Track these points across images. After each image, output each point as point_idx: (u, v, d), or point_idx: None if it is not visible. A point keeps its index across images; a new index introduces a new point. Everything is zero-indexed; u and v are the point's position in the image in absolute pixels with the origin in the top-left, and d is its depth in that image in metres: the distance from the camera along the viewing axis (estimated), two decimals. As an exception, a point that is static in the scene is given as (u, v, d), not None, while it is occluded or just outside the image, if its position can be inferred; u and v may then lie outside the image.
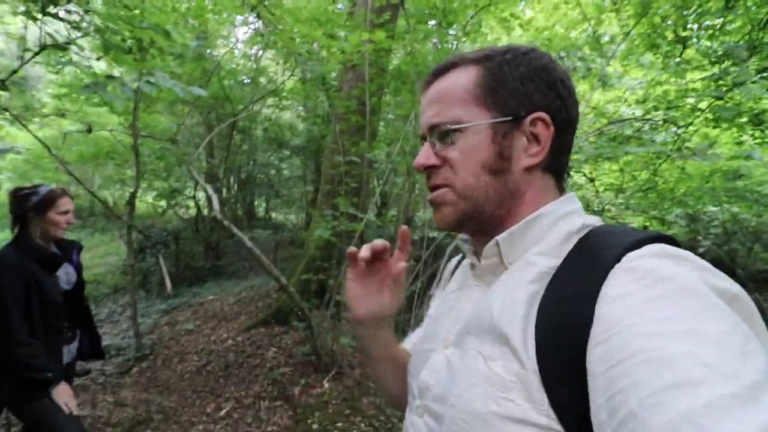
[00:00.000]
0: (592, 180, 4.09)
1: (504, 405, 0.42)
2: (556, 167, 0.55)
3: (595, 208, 3.66)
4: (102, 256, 7.89)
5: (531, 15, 5.66)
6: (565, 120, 0.54)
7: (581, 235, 0.50)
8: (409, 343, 0.75)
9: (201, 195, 6.33)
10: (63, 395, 1.55)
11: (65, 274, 1.75)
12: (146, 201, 7.00)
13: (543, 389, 0.41)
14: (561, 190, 0.57)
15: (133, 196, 3.81)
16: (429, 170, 0.56)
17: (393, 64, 4.31)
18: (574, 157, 2.86)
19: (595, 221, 0.52)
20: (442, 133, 0.54)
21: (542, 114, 0.52)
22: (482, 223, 0.55)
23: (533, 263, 0.49)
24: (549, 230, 0.52)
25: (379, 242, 0.60)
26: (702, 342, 0.34)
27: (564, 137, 0.54)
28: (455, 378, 0.49)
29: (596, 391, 0.37)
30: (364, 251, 0.60)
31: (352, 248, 0.62)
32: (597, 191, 4.07)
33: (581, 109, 2.09)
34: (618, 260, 0.42)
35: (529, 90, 0.52)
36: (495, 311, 0.48)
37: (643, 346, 0.35)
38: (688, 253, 0.42)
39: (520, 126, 0.52)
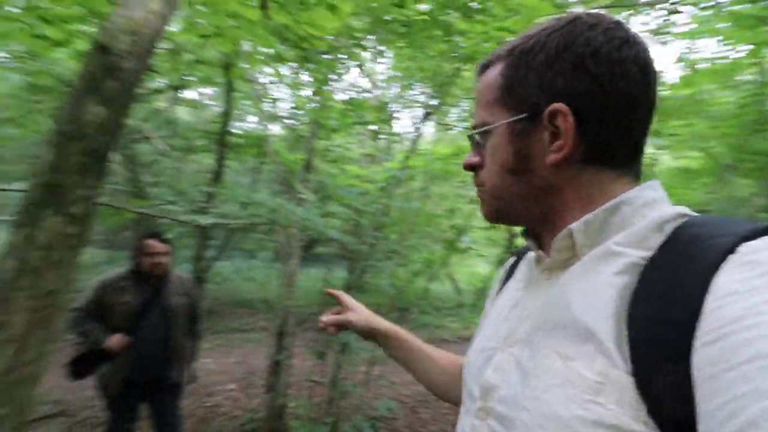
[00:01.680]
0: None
1: (591, 409, 0.38)
2: (606, 156, 0.49)
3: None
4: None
5: None
6: (603, 101, 0.46)
7: (677, 224, 0.44)
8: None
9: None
10: None
11: None
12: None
13: (639, 392, 0.37)
14: (636, 178, 0.50)
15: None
16: (472, 169, 0.58)
17: None
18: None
19: (688, 211, 0.46)
20: (477, 135, 0.55)
21: (558, 105, 0.47)
22: (522, 220, 0.55)
23: (618, 253, 0.44)
24: (632, 219, 0.46)
25: (328, 317, 0.87)
26: None
27: (607, 121, 0.47)
28: (528, 379, 0.45)
29: (706, 395, 0.33)
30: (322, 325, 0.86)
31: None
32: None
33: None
34: (731, 251, 0.37)
35: (549, 78, 0.48)
36: (575, 306, 0.44)
37: None
38: None
39: (540, 121, 0.49)
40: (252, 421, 3.43)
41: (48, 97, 5.31)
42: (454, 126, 6.49)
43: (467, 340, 7.66)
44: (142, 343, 2.25)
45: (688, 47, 4.73)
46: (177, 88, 5.90)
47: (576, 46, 0.47)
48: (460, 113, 6.78)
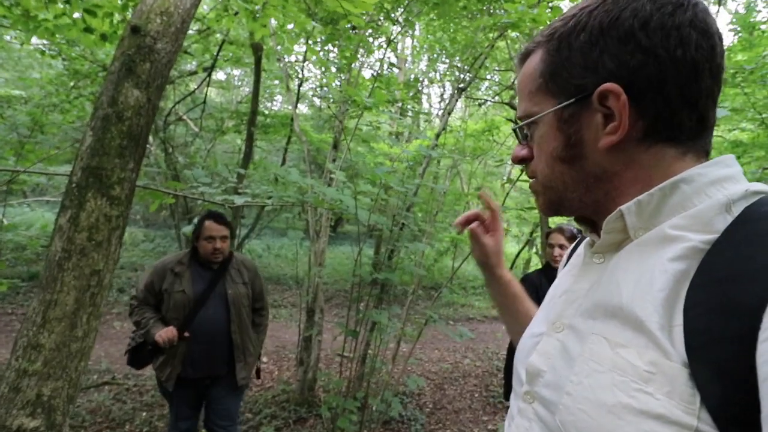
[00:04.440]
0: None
1: (638, 397, 0.37)
2: (669, 133, 0.45)
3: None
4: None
5: None
6: (660, 73, 0.43)
7: (748, 202, 0.40)
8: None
9: None
10: None
11: None
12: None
13: (693, 384, 0.35)
14: (705, 154, 0.46)
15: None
16: (522, 162, 0.56)
17: None
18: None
19: (765, 188, 0.41)
20: (523, 127, 0.53)
21: (607, 85, 0.44)
22: (576, 209, 0.52)
23: (675, 238, 0.41)
24: (694, 199, 0.42)
25: (469, 212, 0.79)
26: None
27: (667, 94, 0.43)
28: (573, 364, 0.44)
29: (765, 394, 0.31)
30: (459, 220, 0.79)
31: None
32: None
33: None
34: None
35: (593, 58, 0.45)
36: (625, 292, 0.42)
37: None
38: None
39: (589, 105, 0.46)
40: (284, 392, 3.57)
41: (87, 82, 5.49)
42: (487, 100, 6.27)
43: (494, 319, 7.67)
44: (199, 337, 2.00)
45: (748, 6, 4.32)
46: (208, 69, 5.96)
47: (621, 21, 0.44)
48: (492, 87, 6.52)
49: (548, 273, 2.23)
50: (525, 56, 0.53)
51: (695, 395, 0.34)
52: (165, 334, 1.92)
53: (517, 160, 0.56)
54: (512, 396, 0.58)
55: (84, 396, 3.29)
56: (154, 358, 2.04)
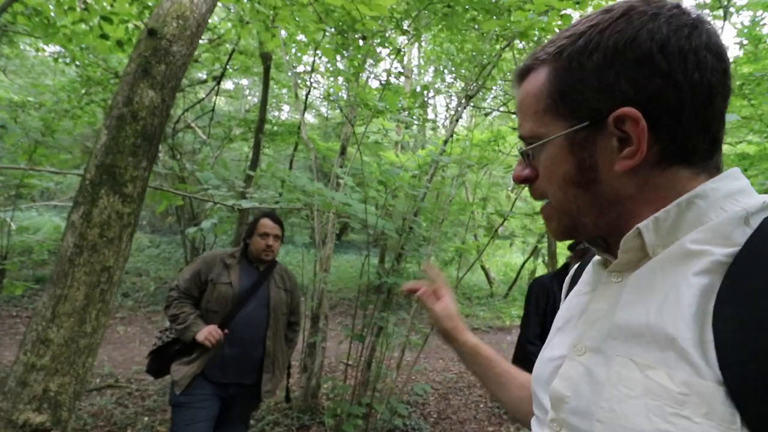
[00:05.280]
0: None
1: (676, 423, 0.35)
2: (684, 155, 0.44)
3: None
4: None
5: None
6: (678, 98, 0.42)
7: (766, 214, 0.40)
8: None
9: None
10: None
11: None
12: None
13: (731, 403, 0.34)
14: (716, 172, 0.46)
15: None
16: (525, 183, 0.53)
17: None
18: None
19: None
20: (527, 147, 0.51)
21: (626, 110, 0.42)
22: (591, 232, 0.50)
23: (697, 253, 0.41)
24: (710, 213, 0.42)
25: (410, 284, 0.83)
26: None
27: (684, 117, 0.43)
28: (601, 389, 0.43)
29: None
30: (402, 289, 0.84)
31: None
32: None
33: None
34: None
35: (609, 81, 0.43)
36: (650, 310, 0.41)
37: None
38: None
39: (604, 128, 0.45)
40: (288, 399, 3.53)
41: (99, 88, 5.59)
42: (493, 110, 6.31)
43: (499, 329, 7.59)
44: (234, 338, 1.91)
45: (753, 19, 4.34)
46: (217, 78, 6.05)
47: (638, 42, 0.42)
48: (498, 97, 6.57)
49: (562, 278, 2.22)
50: (525, 73, 0.51)
51: (735, 414, 0.33)
52: (211, 335, 1.81)
53: (520, 180, 0.54)
54: (534, 423, 0.56)
55: (86, 399, 3.27)
56: (177, 359, 1.89)
